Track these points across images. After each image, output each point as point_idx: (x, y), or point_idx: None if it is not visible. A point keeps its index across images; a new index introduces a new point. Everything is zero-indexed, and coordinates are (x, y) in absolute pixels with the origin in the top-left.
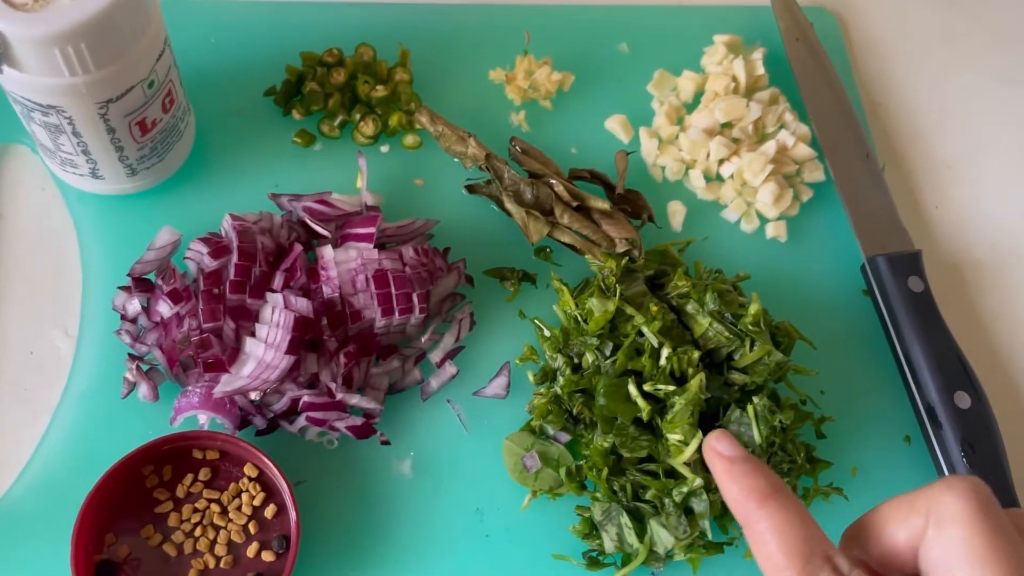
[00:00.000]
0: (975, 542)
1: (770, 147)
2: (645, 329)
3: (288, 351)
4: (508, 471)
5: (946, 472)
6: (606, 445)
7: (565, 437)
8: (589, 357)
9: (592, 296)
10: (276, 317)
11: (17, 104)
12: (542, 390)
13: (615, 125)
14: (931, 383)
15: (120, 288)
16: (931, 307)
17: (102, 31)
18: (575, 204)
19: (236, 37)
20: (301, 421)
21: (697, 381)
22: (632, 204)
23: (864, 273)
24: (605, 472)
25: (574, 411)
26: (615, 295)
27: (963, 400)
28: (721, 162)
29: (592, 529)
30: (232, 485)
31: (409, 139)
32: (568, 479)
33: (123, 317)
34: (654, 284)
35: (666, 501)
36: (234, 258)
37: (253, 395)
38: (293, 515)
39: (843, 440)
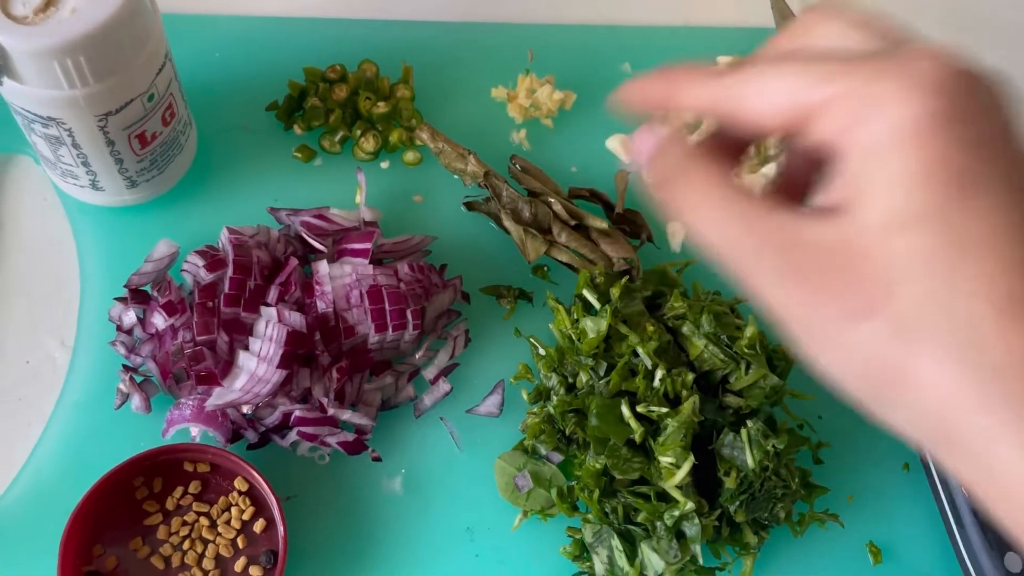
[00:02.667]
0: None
1: (771, 169)
2: (640, 349)
3: (280, 365)
4: (500, 490)
5: (945, 501)
6: (598, 466)
7: (558, 457)
8: (583, 377)
9: (585, 290)
10: (269, 331)
11: (18, 115)
12: (535, 409)
13: (616, 144)
14: None
15: (116, 299)
16: None
17: (101, 45)
18: (573, 223)
19: (240, 52)
20: (293, 436)
21: (690, 403)
22: (631, 224)
23: None
24: (597, 494)
25: (567, 431)
26: (607, 300)
27: None
28: None
29: (583, 551)
30: (222, 498)
31: (409, 155)
32: (560, 500)
33: (119, 328)
34: (652, 305)
35: (657, 524)
36: (229, 271)
37: (245, 409)
38: (281, 530)
39: (840, 466)
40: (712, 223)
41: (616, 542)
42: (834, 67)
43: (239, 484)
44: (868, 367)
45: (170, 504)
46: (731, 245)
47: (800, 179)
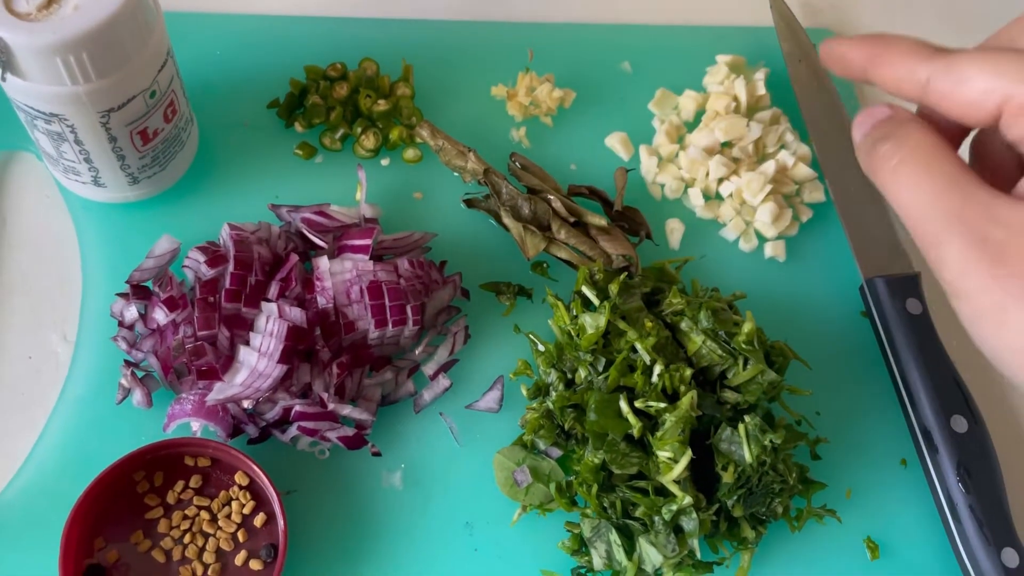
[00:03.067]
0: None
1: (769, 167)
2: (638, 345)
3: (281, 360)
4: (499, 485)
5: (942, 497)
6: (597, 461)
7: (556, 452)
8: (582, 372)
9: (584, 287)
10: (270, 326)
11: (21, 112)
12: (535, 405)
13: (615, 142)
14: (928, 406)
15: (118, 295)
16: (929, 330)
17: (104, 41)
18: (572, 220)
19: (241, 50)
20: (293, 430)
21: (688, 399)
22: (630, 221)
23: (862, 294)
24: (595, 488)
25: (566, 426)
26: (606, 296)
27: (960, 424)
28: (720, 181)
29: (581, 545)
30: (222, 493)
31: (410, 153)
32: (558, 495)
33: (120, 324)
34: (650, 301)
35: (656, 519)
36: (230, 267)
37: (246, 403)
38: (282, 524)
39: (838, 462)
40: (913, 181)
41: (614, 536)
42: None
43: (240, 478)
44: None
45: (171, 498)
46: (926, 208)
47: (1003, 169)
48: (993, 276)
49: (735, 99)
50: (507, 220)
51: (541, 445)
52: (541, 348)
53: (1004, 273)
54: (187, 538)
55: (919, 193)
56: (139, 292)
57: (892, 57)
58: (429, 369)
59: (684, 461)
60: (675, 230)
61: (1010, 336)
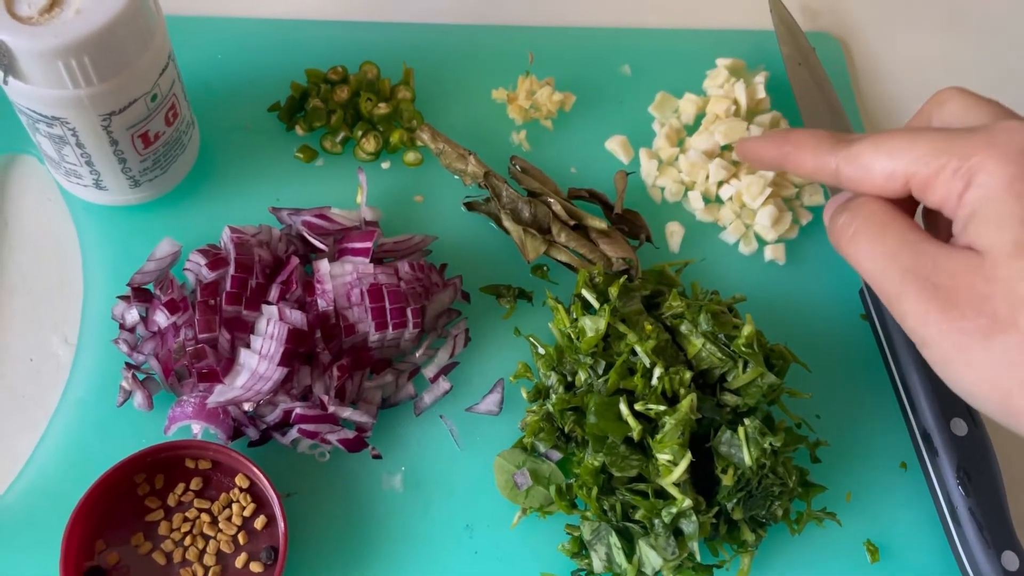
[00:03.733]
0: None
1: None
2: (638, 348)
3: (281, 363)
4: (499, 488)
5: (942, 500)
6: (596, 464)
7: (556, 455)
8: (582, 375)
9: (584, 289)
10: (271, 329)
11: (23, 115)
12: (535, 407)
13: (615, 146)
14: (928, 409)
15: (119, 298)
16: None
17: (105, 45)
18: (572, 223)
19: (242, 54)
20: (293, 433)
21: (688, 401)
22: (630, 224)
23: (862, 298)
24: (595, 491)
25: (566, 429)
26: (605, 299)
27: (960, 427)
28: (720, 184)
29: (581, 548)
30: (223, 495)
31: (410, 156)
32: (558, 497)
33: (122, 326)
34: (650, 304)
35: (655, 522)
36: (231, 270)
37: (246, 406)
38: (282, 527)
39: (838, 465)
40: (868, 246)
41: (614, 539)
42: (936, 145)
43: (240, 481)
44: (999, 378)
45: (172, 501)
46: (883, 267)
47: (937, 227)
48: (948, 320)
49: (735, 102)
50: (507, 223)
51: (541, 448)
52: (541, 351)
53: (956, 315)
54: (187, 540)
55: (875, 256)
56: (140, 295)
57: (801, 154)
58: (429, 372)
59: (684, 464)
60: (675, 233)
61: (975, 372)
